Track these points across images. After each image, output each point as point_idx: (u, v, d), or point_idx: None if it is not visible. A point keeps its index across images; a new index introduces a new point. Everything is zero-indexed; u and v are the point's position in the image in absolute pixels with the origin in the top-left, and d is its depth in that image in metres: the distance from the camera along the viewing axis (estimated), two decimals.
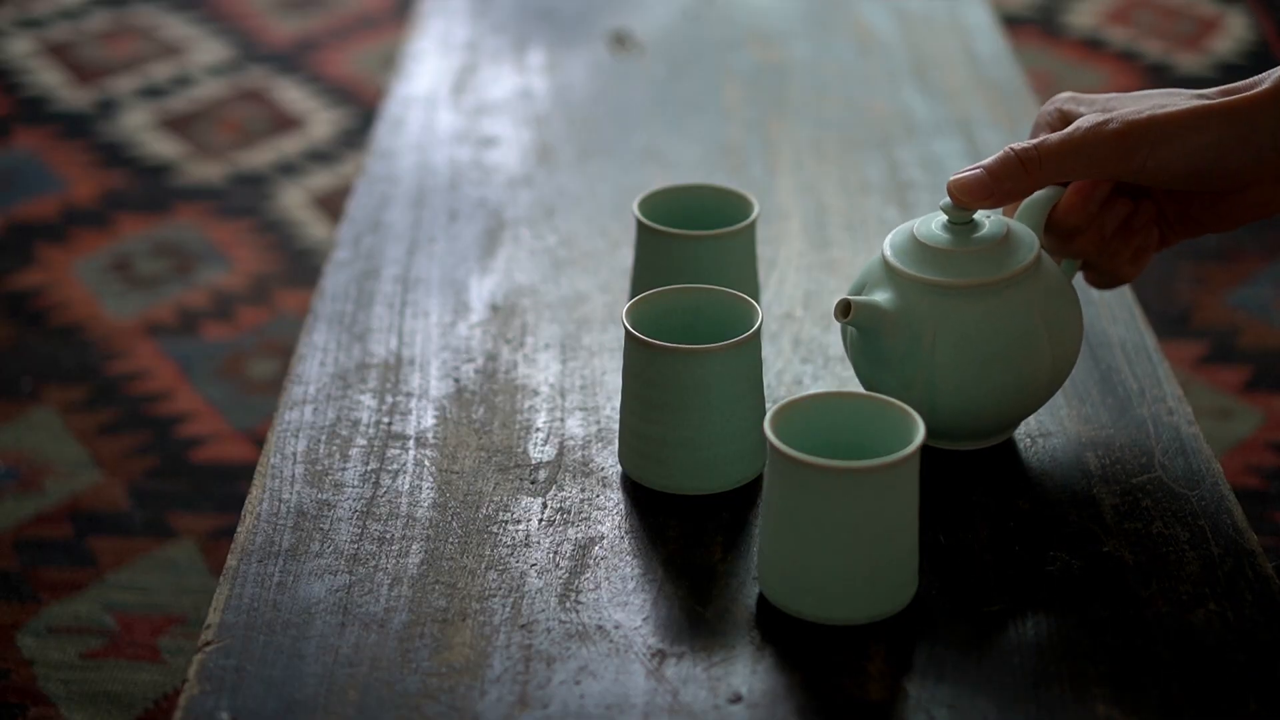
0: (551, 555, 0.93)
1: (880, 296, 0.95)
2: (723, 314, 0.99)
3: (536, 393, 1.08)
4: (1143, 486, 0.98)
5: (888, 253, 0.96)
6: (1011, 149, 0.95)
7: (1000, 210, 1.00)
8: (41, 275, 2.11)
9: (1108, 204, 0.99)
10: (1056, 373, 0.96)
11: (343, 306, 1.18)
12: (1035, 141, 0.95)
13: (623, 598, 0.90)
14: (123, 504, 1.68)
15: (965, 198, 0.95)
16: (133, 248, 2.18)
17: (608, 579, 0.92)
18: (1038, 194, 0.98)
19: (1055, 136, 0.95)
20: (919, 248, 0.95)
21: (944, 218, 0.96)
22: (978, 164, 0.95)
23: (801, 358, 1.12)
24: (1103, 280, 1.04)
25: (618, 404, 1.06)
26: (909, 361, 0.94)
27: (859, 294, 0.97)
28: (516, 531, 0.95)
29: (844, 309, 0.93)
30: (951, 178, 0.95)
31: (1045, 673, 0.85)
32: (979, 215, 0.96)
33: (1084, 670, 0.85)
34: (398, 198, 1.34)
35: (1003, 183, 0.94)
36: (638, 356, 0.96)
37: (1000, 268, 0.94)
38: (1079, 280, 1.08)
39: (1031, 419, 1.04)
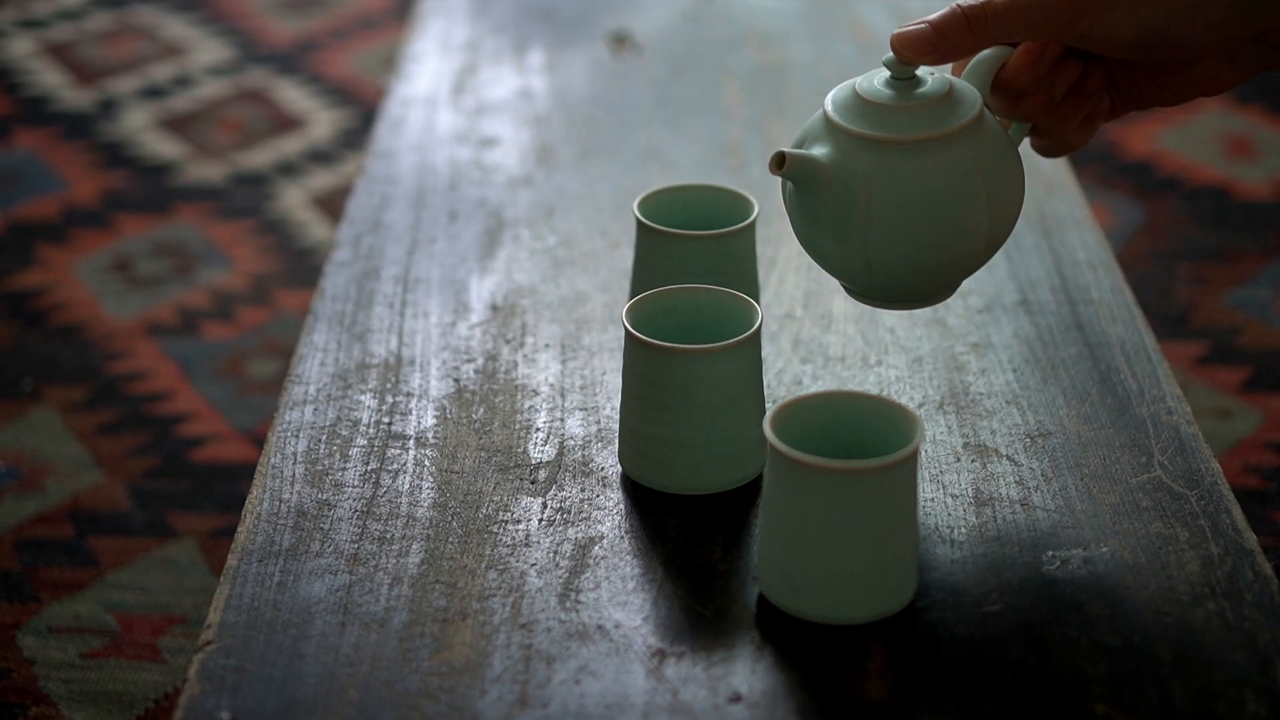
0: (551, 555, 0.93)
1: (818, 151, 0.93)
2: (723, 314, 0.99)
3: (536, 393, 1.08)
4: (1142, 486, 0.98)
5: (828, 107, 0.94)
6: (959, 5, 0.92)
7: (949, 69, 0.97)
8: (42, 275, 2.11)
9: (1058, 66, 0.96)
10: (995, 233, 0.94)
11: (343, 306, 1.18)
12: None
13: (623, 598, 0.90)
14: (123, 504, 1.68)
15: (908, 52, 0.92)
16: (133, 248, 2.18)
17: (608, 579, 0.92)
18: (985, 53, 0.95)
19: None
20: (859, 103, 0.93)
21: (887, 73, 0.93)
22: (924, 19, 0.92)
23: (801, 358, 1.12)
24: (1051, 148, 1.01)
25: (618, 404, 1.06)
26: (845, 218, 0.92)
27: (799, 149, 0.94)
28: (516, 531, 0.95)
29: (779, 161, 0.91)
30: (896, 31, 0.92)
31: (1045, 673, 0.85)
32: (923, 72, 0.94)
33: (1084, 670, 0.85)
34: (398, 198, 1.34)
35: (947, 39, 0.92)
36: (638, 356, 0.96)
37: (940, 124, 0.91)
38: (1028, 153, 1.04)
39: (1031, 418, 1.04)
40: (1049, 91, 0.96)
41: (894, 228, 0.91)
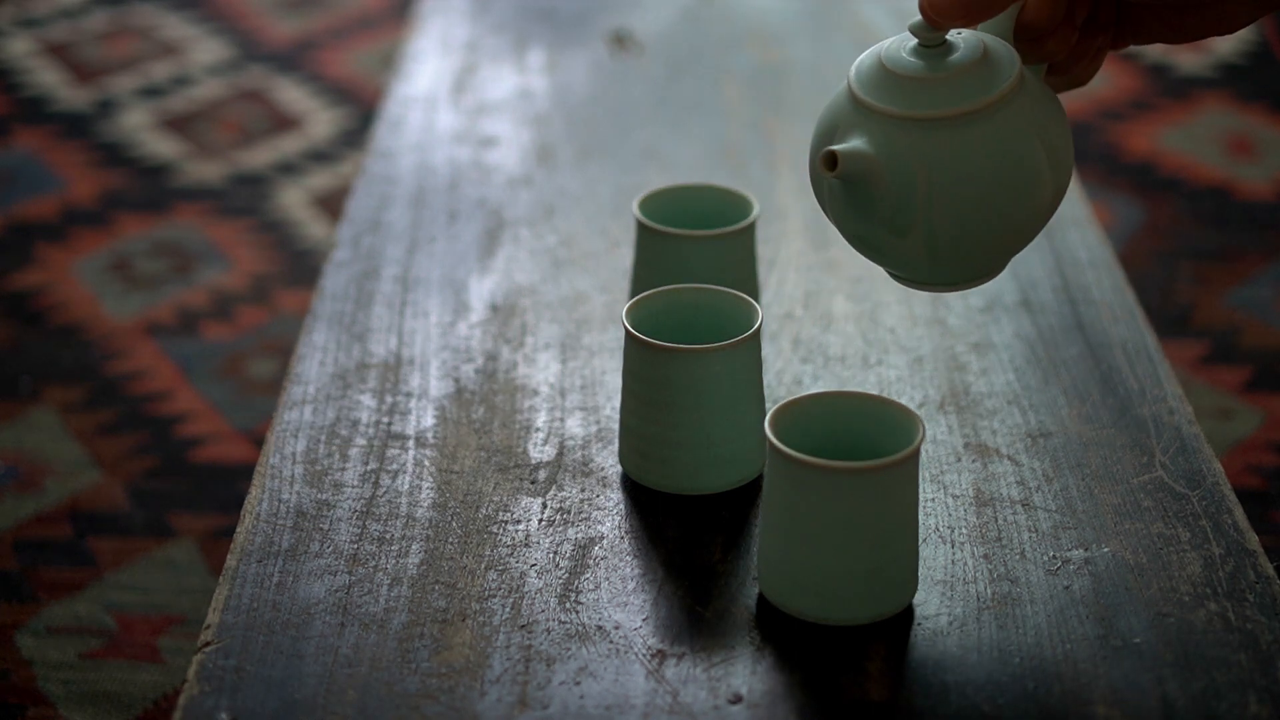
0: (551, 555, 0.93)
1: (858, 141, 0.84)
2: (723, 314, 0.99)
3: (536, 393, 1.08)
4: (1143, 486, 0.98)
5: (859, 90, 0.85)
6: None
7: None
8: (41, 275, 2.11)
9: (1077, 1, 0.90)
10: (1058, 191, 0.87)
11: (343, 306, 1.18)
12: None
13: (623, 598, 0.90)
14: (122, 504, 1.68)
15: (941, 17, 0.84)
16: (132, 247, 2.18)
17: (608, 579, 0.92)
18: None
19: None
20: (893, 80, 0.84)
21: (912, 42, 0.85)
22: None
23: (801, 358, 1.12)
24: (1060, 84, 0.93)
25: (618, 404, 1.06)
26: (904, 209, 0.84)
27: (828, 140, 0.87)
28: (516, 531, 0.95)
29: (829, 161, 0.83)
30: None
31: (1045, 673, 0.85)
32: (950, 34, 0.86)
33: (1084, 671, 0.85)
34: (397, 198, 1.34)
35: None
36: (638, 356, 0.96)
37: (988, 88, 0.83)
38: None
39: (1032, 418, 1.04)
40: (1071, 27, 0.89)
41: (959, 210, 0.84)
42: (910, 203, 0.84)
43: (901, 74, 0.85)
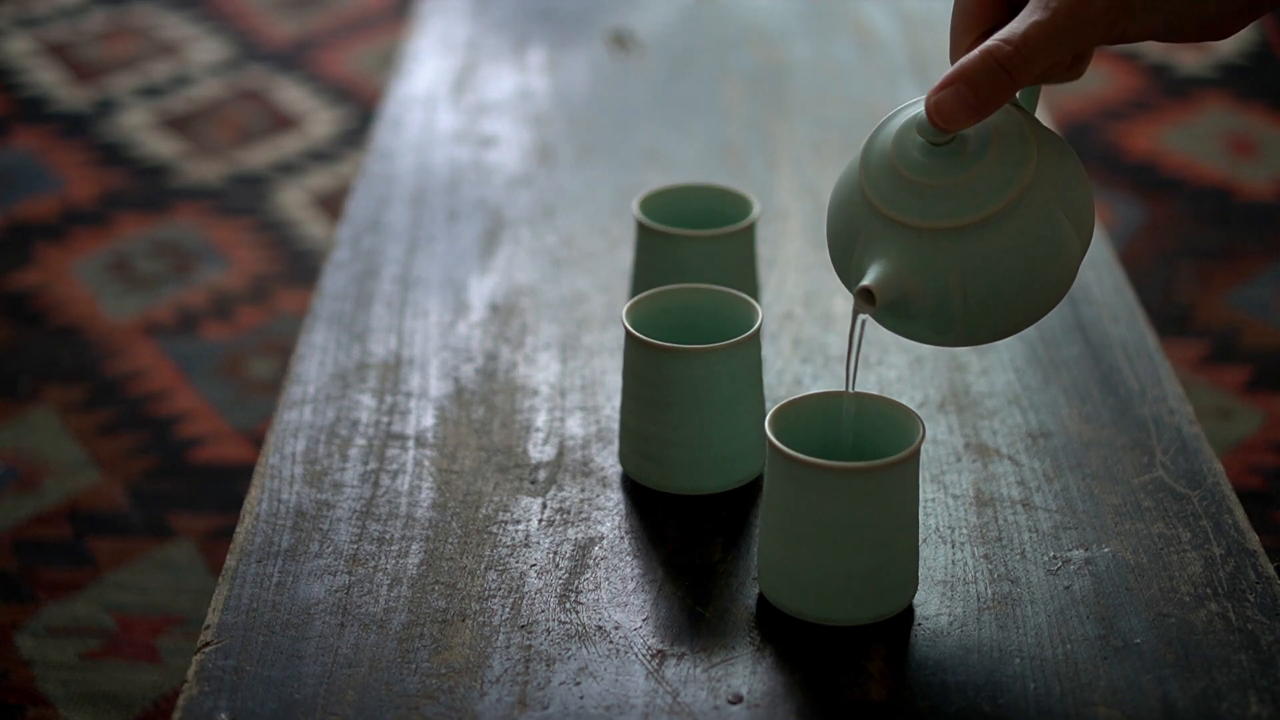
0: (551, 555, 0.93)
1: (889, 260, 0.83)
2: (723, 314, 0.99)
3: (536, 393, 1.08)
4: (1144, 486, 0.98)
5: (877, 200, 0.83)
6: (990, 55, 0.81)
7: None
8: (40, 275, 2.11)
9: None
10: (1084, 247, 0.85)
11: (342, 306, 1.18)
12: (1013, 39, 0.81)
13: (623, 598, 0.90)
14: (122, 504, 1.68)
15: (950, 125, 0.82)
16: (132, 247, 2.18)
17: (608, 579, 0.91)
18: None
19: (1033, 27, 0.82)
20: (912, 187, 0.82)
21: (918, 138, 0.83)
22: (952, 74, 0.81)
23: (801, 358, 1.12)
24: (1053, 81, 0.91)
25: (618, 404, 1.06)
26: (940, 314, 0.83)
27: (845, 245, 0.85)
28: (516, 531, 0.95)
29: (868, 298, 0.82)
30: (930, 98, 0.82)
31: (1045, 673, 0.84)
32: None
33: (1084, 671, 0.84)
34: (397, 198, 1.34)
35: (985, 94, 0.81)
36: (638, 356, 0.96)
37: (1009, 180, 0.82)
38: None
39: (1033, 418, 1.04)
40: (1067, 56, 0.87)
41: (997, 305, 0.83)
42: (947, 308, 0.83)
43: (920, 181, 0.83)
